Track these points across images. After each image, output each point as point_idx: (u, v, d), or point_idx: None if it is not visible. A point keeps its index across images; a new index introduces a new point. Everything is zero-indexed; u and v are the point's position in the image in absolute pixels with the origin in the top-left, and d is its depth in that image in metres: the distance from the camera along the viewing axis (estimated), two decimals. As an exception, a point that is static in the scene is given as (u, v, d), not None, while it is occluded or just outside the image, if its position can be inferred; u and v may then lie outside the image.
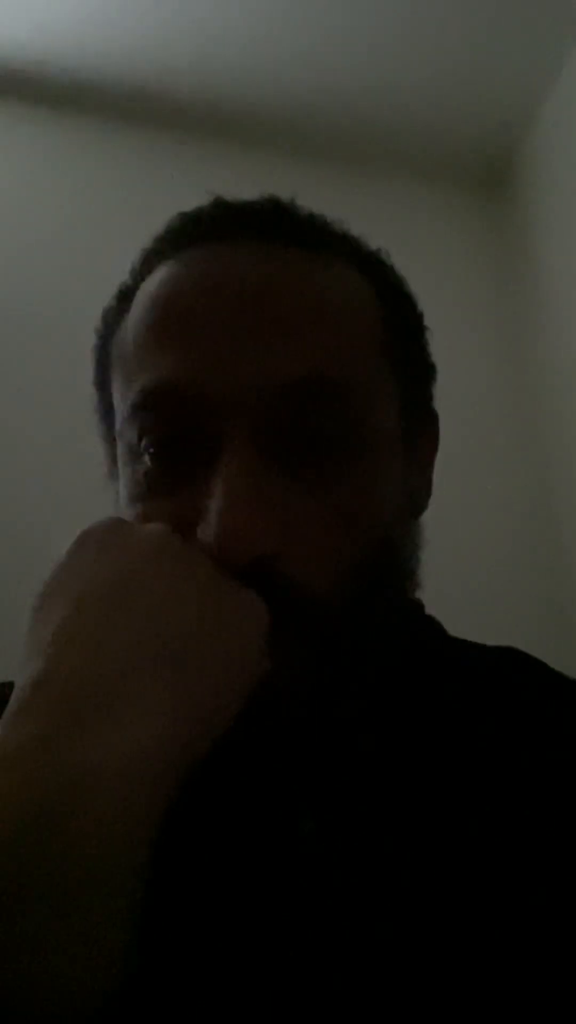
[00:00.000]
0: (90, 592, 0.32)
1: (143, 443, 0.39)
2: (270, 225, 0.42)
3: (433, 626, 0.48)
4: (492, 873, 0.34)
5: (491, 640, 0.47)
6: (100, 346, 0.46)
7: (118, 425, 0.42)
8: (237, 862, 0.35)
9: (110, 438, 0.45)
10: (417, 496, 0.46)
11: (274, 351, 0.37)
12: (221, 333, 0.37)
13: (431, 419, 0.48)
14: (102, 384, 0.45)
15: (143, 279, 0.43)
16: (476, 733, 0.40)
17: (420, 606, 0.48)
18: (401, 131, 1.76)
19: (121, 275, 0.45)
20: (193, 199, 0.46)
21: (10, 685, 0.39)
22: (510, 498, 1.69)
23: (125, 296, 0.45)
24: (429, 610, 0.48)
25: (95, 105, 1.64)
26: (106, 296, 0.46)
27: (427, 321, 0.48)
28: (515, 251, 1.83)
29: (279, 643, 0.34)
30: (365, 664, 0.39)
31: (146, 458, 0.39)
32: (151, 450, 0.39)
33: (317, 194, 0.46)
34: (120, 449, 0.42)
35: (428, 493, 0.48)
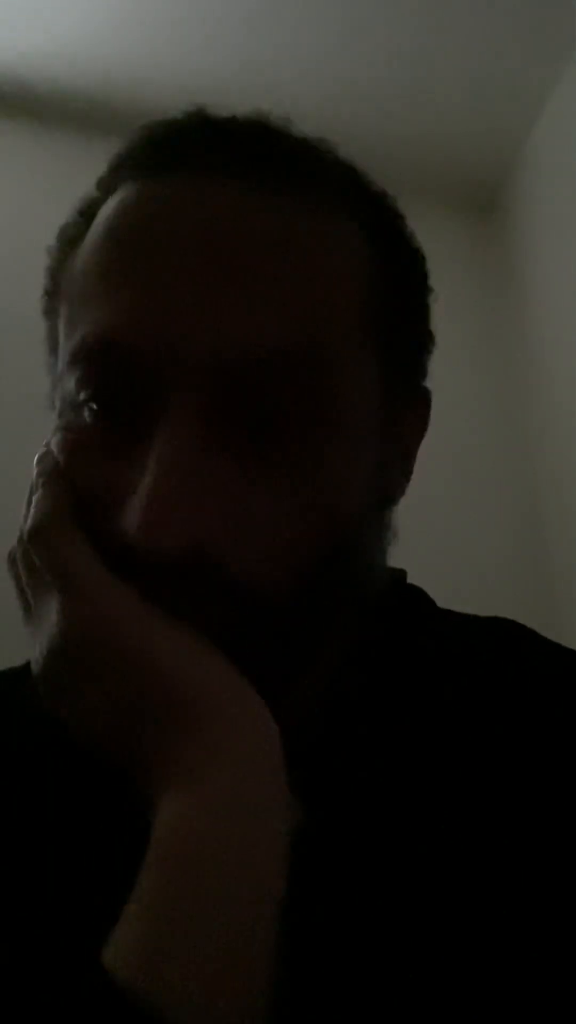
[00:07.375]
0: None
1: (82, 396, 0.34)
2: (257, 160, 0.35)
3: (418, 597, 0.45)
4: (491, 858, 0.33)
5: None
6: (53, 269, 0.40)
7: (59, 368, 0.36)
8: None
9: (56, 373, 0.39)
10: (392, 485, 0.41)
11: (239, 316, 0.32)
12: (180, 284, 0.32)
13: (421, 397, 0.43)
14: (50, 313, 0.40)
15: (109, 196, 0.37)
16: (467, 708, 0.38)
17: (403, 575, 0.45)
18: (393, 154, 1.76)
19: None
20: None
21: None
22: (500, 517, 1.71)
23: (87, 213, 0.38)
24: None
25: (91, 121, 1.64)
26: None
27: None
28: (505, 273, 1.85)
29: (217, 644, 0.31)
30: (313, 661, 0.37)
31: (85, 413, 0.34)
32: (91, 406, 0.34)
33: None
34: (60, 393, 0.37)
35: (407, 480, 0.42)
